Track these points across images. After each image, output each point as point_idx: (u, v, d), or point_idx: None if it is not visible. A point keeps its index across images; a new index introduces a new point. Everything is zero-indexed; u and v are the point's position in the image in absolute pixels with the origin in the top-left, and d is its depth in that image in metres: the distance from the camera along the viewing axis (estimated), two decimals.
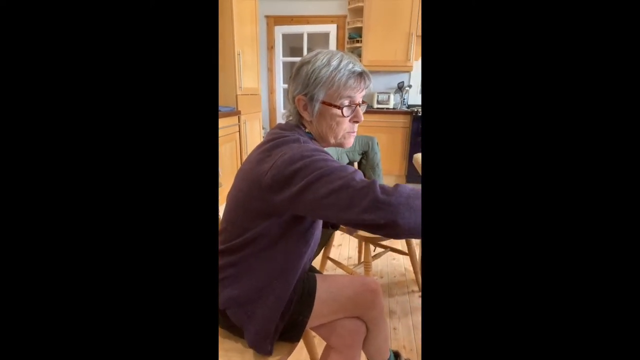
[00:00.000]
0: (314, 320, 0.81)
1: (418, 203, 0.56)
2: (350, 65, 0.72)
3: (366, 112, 3.38)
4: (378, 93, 3.59)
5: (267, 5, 3.68)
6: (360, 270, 1.56)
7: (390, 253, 1.97)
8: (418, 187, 0.58)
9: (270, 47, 3.91)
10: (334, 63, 0.71)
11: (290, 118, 0.80)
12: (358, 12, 3.48)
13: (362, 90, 0.75)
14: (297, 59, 3.79)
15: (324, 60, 0.72)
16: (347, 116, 0.74)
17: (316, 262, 1.79)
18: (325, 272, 1.75)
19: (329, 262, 1.78)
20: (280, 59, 4.00)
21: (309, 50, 3.85)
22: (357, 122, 0.77)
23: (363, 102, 0.78)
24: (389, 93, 3.57)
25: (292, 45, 4.47)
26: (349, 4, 3.52)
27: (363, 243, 1.71)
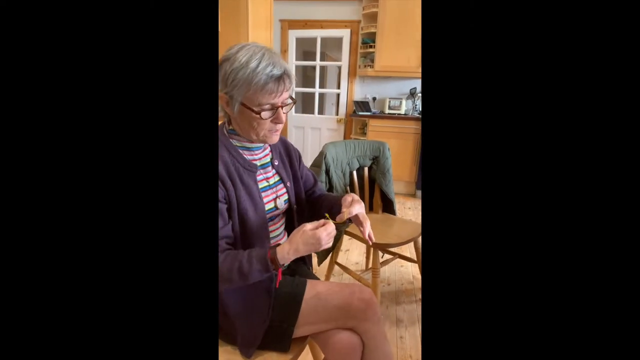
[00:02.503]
0: (302, 328, 0.79)
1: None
2: (269, 68, 0.69)
3: (378, 117, 3.38)
4: (390, 99, 3.58)
5: (281, 9, 3.71)
6: (368, 276, 1.54)
7: (398, 260, 1.95)
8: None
9: (284, 51, 3.94)
10: (253, 64, 0.68)
11: (221, 114, 0.79)
12: (372, 17, 3.48)
13: (283, 93, 0.72)
14: (310, 63, 3.73)
15: (242, 61, 0.68)
16: (267, 118, 0.73)
17: (323, 267, 1.78)
18: (332, 277, 1.74)
19: (336, 267, 1.77)
20: (293, 62, 4.03)
21: (322, 55, 3.86)
22: (278, 123, 0.75)
23: (292, 99, 0.75)
24: (401, 99, 3.55)
25: (305, 49, 4.49)
26: (363, 9, 3.52)
27: (371, 249, 1.70)
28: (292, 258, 0.71)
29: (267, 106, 0.71)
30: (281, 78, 0.71)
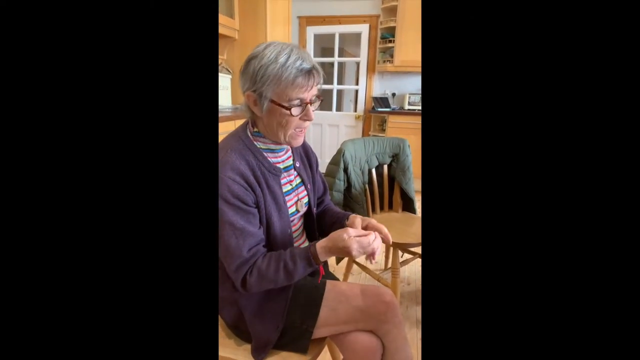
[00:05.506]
0: (322, 329, 0.79)
1: (265, 285, 0.74)
2: (299, 63, 0.69)
3: (397, 113, 3.32)
4: (410, 94, 3.51)
5: (300, 5, 3.70)
6: (387, 276, 1.52)
7: (418, 260, 1.90)
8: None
9: (302, 48, 3.93)
10: (282, 60, 0.68)
11: (245, 112, 0.78)
12: (392, 11, 3.41)
13: (312, 88, 0.72)
14: (328, 60, 3.67)
15: (271, 57, 0.69)
16: (297, 115, 0.73)
17: (341, 266, 1.76)
18: (350, 276, 1.72)
19: (354, 266, 1.75)
20: None
21: (340, 51, 3.82)
22: (307, 120, 0.75)
23: (318, 96, 0.75)
24: (421, 94, 3.48)
25: (324, 46, 4.46)
26: (382, 2, 3.46)
27: (391, 248, 1.67)
28: (325, 258, 0.73)
29: (296, 101, 0.71)
30: (311, 72, 0.71)
